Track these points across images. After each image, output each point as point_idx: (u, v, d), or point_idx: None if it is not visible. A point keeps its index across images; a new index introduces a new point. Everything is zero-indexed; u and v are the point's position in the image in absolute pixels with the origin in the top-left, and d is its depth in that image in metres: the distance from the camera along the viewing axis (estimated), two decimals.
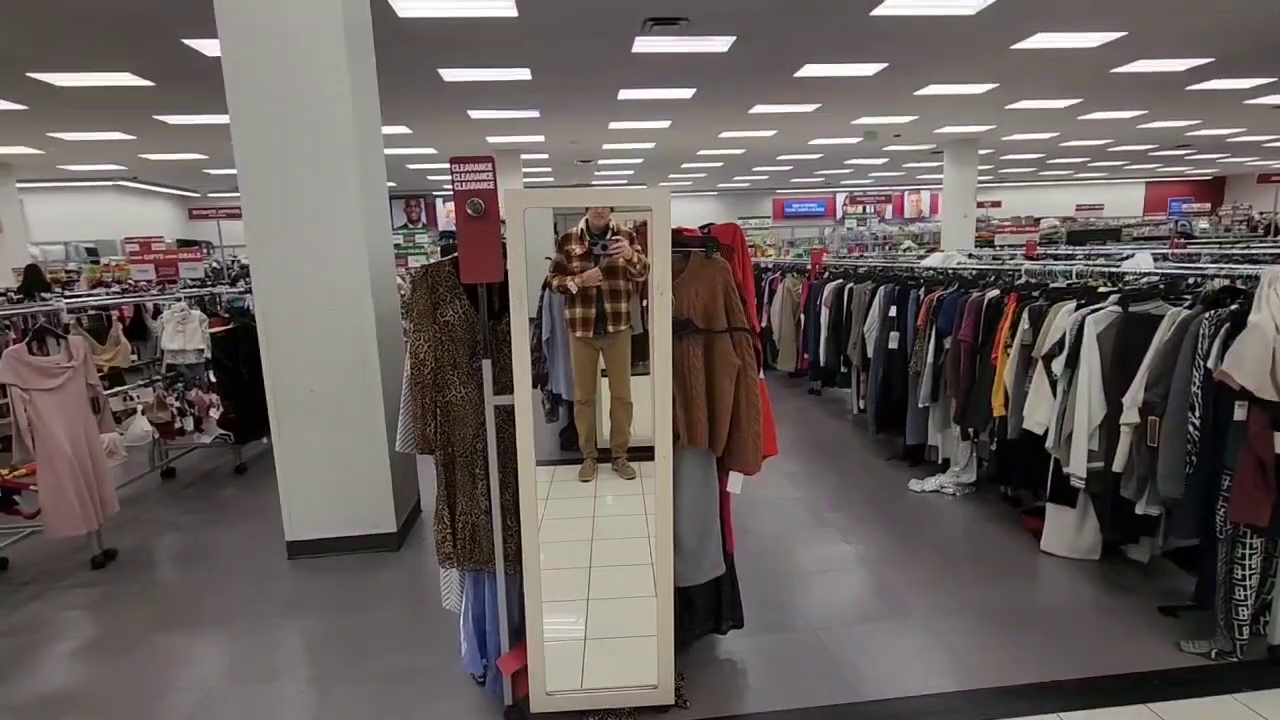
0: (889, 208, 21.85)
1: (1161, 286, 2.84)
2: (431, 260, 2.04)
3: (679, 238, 2.09)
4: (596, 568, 3.09)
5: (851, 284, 5.12)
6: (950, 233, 12.97)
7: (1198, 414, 2.30)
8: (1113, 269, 3.30)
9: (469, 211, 1.82)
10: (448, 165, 1.87)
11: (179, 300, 4.43)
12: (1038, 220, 14.57)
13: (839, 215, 21.44)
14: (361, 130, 3.30)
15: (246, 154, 3.18)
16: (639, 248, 3.67)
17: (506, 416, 2.02)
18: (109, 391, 3.73)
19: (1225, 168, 20.57)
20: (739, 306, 2.08)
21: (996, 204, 19.72)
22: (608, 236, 3.69)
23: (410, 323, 2.08)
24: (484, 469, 2.07)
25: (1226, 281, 2.54)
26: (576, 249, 3.76)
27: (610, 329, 3.84)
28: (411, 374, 2.06)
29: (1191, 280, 2.75)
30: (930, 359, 3.90)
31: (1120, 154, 16.33)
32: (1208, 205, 16.54)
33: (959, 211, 13.22)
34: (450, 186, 1.87)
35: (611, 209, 3.77)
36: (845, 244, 13.41)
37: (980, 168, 14.58)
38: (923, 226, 17.21)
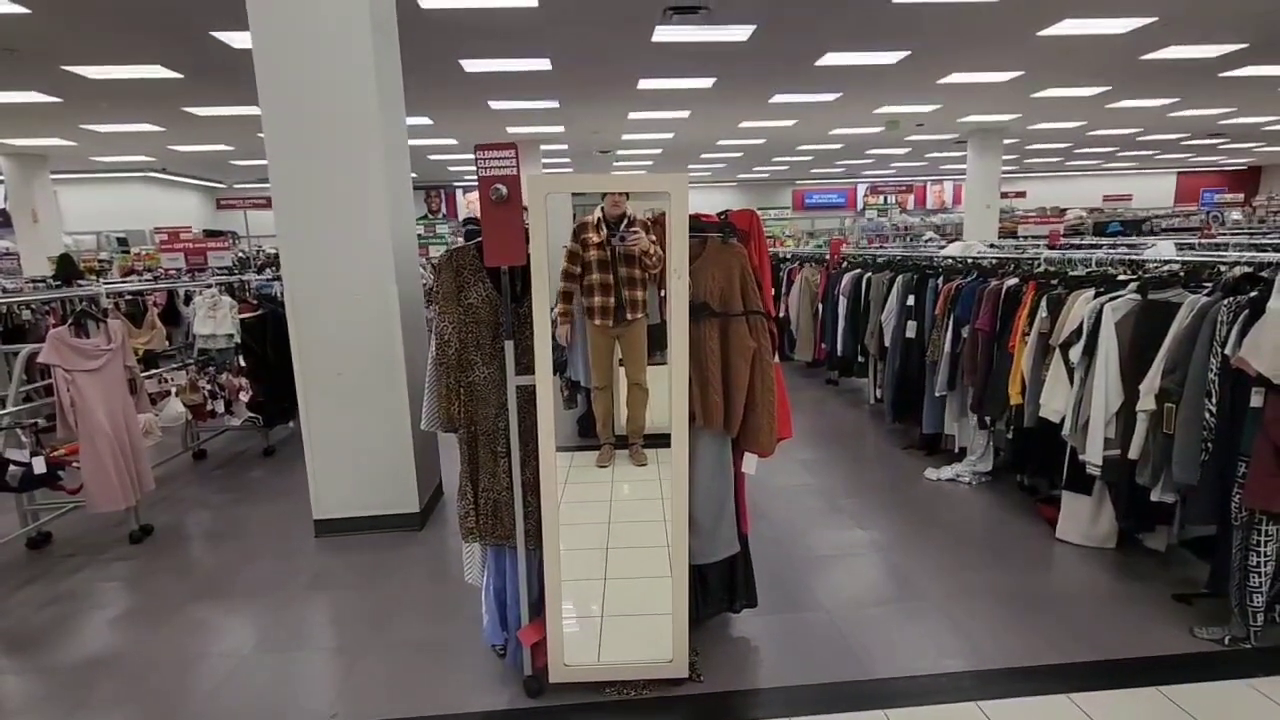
0: (910, 198, 21.61)
1: (1181, 274, 2.83)
2: (452, 248, 2.11)
3: (697, 223, 2.13)
4: (614, 549, 3.16)
5: (870, 273, 5.12)
6: (973, 224, 12.81)
7: (1214, 400, 2.30)
8: (1133, 257, 3.28)
9: (492, 197, 1.88)
10: (469, 155, 1.93)
11: (210, 286, 4.55)
12: (1063, 211, 14.32)
13: (859, 207, 21.23)
14: (387, 120, 3.37)
15: (276, 143, 3.27)
16: (655, 239, 3.70)
17: (528, 396, 2.09)
18: (144, 374, 3.87)
19: (1261, 157, 20.02)
20: (755, 291, 2.12)
21: (1021, 194, 19.38)
22: (624, 226, 3.73)
23: (435, 306, 2.15)
24: (506, 447, 2.14)
25: (1248, 269, 2.52)
26: (593, 238, 3.80)
27: (629, 316, 3.89)
28: (437, 354, 2.13)
29: (1212, 268, 2.73)
30: (948, 348, 3.90)
31: (1150, 143, 15.97)
32: (1240, 196, 16.14)
33: (982, 202, 13.05)
34: (471, 176, 1.92)
35: (628, 197, 3.81)
36: (865, 234, 13.31)
37: (1005, 157, 14.35)
38: (945, 218, 17.00)
